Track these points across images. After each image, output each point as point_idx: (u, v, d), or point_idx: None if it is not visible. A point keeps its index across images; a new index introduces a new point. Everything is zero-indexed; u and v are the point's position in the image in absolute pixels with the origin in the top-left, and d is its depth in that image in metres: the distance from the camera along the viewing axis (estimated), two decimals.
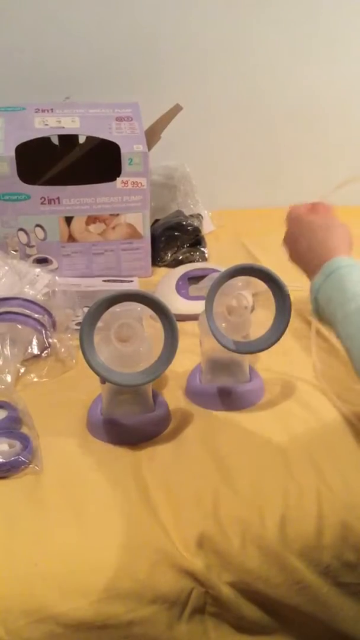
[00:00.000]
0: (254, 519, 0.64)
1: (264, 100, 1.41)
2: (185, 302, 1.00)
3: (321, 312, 0.74)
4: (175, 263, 1.18)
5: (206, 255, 1.22)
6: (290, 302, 0.74)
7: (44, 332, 0.88)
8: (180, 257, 1.20)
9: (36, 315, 0.88)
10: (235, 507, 0.65)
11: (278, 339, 0.75)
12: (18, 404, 0.77)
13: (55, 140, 1.17)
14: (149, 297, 0.67)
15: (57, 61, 1.28)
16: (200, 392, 0.81)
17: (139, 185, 1.08)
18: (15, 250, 1.08)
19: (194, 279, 1.03)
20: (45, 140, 1.13)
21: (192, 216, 1.29)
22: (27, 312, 0.88)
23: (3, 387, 0.81)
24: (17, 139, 1.04)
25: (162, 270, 1.17)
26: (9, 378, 0.82)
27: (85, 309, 0.78)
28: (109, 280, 1.13)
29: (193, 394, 0.82)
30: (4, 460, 0.68)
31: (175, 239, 1.21)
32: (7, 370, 0.83)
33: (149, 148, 1.09)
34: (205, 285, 0.88)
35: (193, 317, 0.86)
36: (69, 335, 0.91)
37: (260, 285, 0.75)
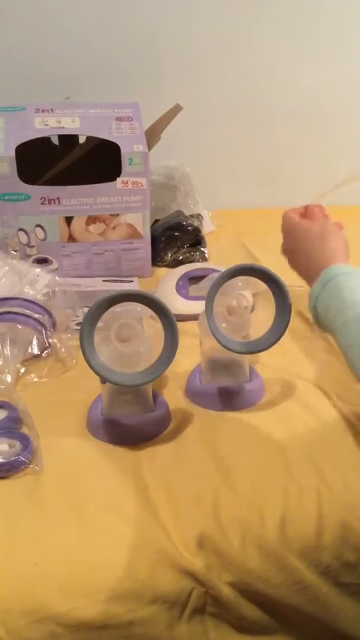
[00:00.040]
0: (254, 519, 0.64)
1: (264, 100, 1.41)
2: (185, 302, 1.00)
3: (320, 321, 0.74)
4: (176, 263, 1.18)
5: (206, 255, 1.22)
6: (290, 302, 0.74)
7: (44, 332, 0.88)
8: (181, 257, 1.20)
9: (36, 315, 0.88)
10: (235, 507, 0.65)
11: (278, 339, 0.75)
12: (18, 404, 0.77)
13: (55, 141, 1.17)
14: (149, 297, 0.67)
15: (57, 61, 1.28)
16: (200, 392, 0.81)
17: (139, 185, 1.08)
18: (15, 251, 1.08)
19: (194, 279, 1.04)
20: (45, 140, 1.13)
21: (192, 216, 1.29)
22: (27, 312, 0.88)
23: (3, 387, 0.81)
24: (17, 139, 1.04)
25: (162, 271, 1.17)
26: (9, 378, 0.82)
27: (86, 309, 0.78)
28: (109, 280, 1.13)
29: (193, 394, 0.82)
30: (4, 460, 0.68)
31: (175, 239, 1.21)
32: (7, 370, 0.83)
33: (149, 148, 1.09)
34: (205, 285, 0.88)
35: (193, 317, 0.86)
36: (69, 335, 0.91)
37: (260, 285, 0.75)
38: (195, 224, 1.25)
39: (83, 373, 0.73)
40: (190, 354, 0.85)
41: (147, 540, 0.61)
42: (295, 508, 0.65)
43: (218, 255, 1.24)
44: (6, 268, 0.96)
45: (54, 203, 1.06)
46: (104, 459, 0.72)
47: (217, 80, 1.37)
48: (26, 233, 1.08)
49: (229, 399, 0.80)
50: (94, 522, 0.63)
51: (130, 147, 1.06)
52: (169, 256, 1.20)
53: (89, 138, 1.16)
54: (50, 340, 0.88)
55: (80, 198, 1.07)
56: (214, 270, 0.98)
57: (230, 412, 0.79)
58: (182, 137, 1.24)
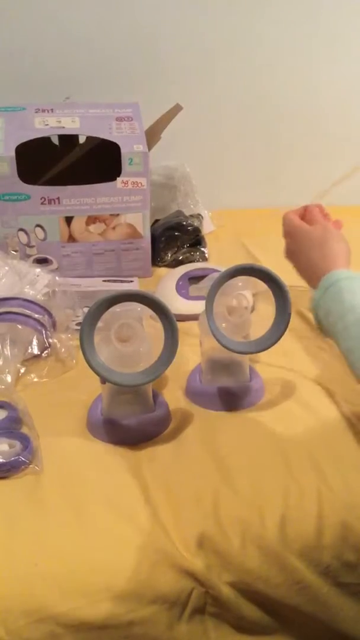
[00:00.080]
0: (254, 519, 0.64)
1: (264, 100, 1.41)
2: (185, 302, 1.00)
3: (322, 325, 0.75)
4: (176, 263, 1.18)
5: (206, 255, 1.22)
6: (291, 303, 0.74)
7: (44, 332, 0.88)
8: (181, 257, 1.20)
9: (36, 316, 0.88)
10: (235, 507, 0.65)
11: (278, 339, 0.75)
12: (18, 404, 0.77)
13: (56, 140, 1.17)
14: (149, 297, 0.67)
15: (57, 61, 1.28)
16: (200, 392, 0.81)
17: (139, 185, 1.08)
18: (16, 251, 1.08)
19: (194, 279, 1.03)
20: (46, 140, 1.13)
21: (192, 216, 1.29)
22: (27, 312, 0.88)
23: (3, 387, 0.81)
24: (17, 139, 1.04)
25: (162, 271, 1.17)
26: (9, 378, 0.82)
27: (86, 309, 0.78)
28: (109, 281, 1.13)
29: (193, 394, 0.82)
30: (4, 461, 0.68)
31: (175, 239, 1.21)
32: (7, 370, 0.83)
33: (149, 148, 1.09)
34: (205, 285, 0.88)
35: (193, 317, 0.86)
36: (69, 336, 0.91)
37: (260, 285, 0.75)
38: (195, 224, 1.25)
39: (83, 373, 0.73)
40: (191, 354, 0.86)
41: (147, 540, 0.61)
42: (295, 508, 0.65)
43: (218, 255, 1.24)
44: (6, 268, 0.96)
45: (54, 203, 1.06)
46: (104, 459, 0.72)
47: (218, 80, 1.37)
48: (26, 233, 1.08)
49: (229, 399, 0.80)
50: (94, 522, 0.63)
51: (130, 147, 1.06)
52: (169, 256, 1.20)
53: (89, 138, 1.16)
54: (50, 340, 0.88)
55: (80, 198, 1.07)
56: (214, 270, 0.98)
57: (230, 412, 0.79)
58: (182, 137, 1.24)
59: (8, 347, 0.85)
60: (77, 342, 0.67)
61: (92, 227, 1.10)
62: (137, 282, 1.13)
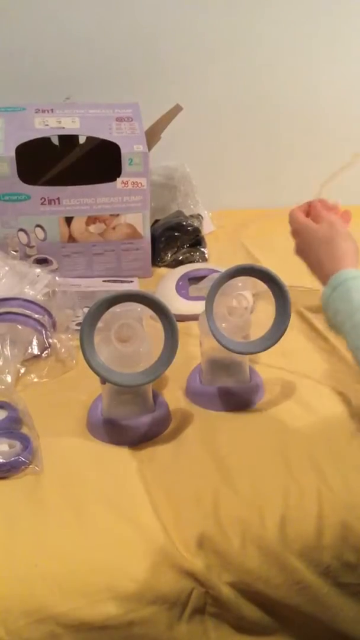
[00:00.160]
0: (254, 519, 0.64)
1: (264, 100, 1.41)
2: (185, 303, 1.00)
3: (331, 324, 0.75)
4: (176, 263, 1.18)
5: (206, 255, 1.22)
6: (290, 303, 0.74)
7: (44, 332, 0.88)
8: (181, 258, 1.20)
9: (36, 316, 0.88)
10: (235, 507, 0.65)
11: (278, 340, 0.75)
12: (18, 404, 0.77)
13: (56, 141, 1.17)
14: (149, 297, 0.67)
15: (57, 61, 1.28)
16: (200, 393, 0.81)
17: (139, 185, 1.08)
18: (16, 251, 1.08)
19: (194, 279, 1.03)
20: (46, 141, 1.13)
21: (192, 216, 1.29)
22: (28, 312, 0.88)
23: (3, 387, 0.81)
24: (17, 139, 1.04)
25: (162, 271, 1.17)
26: (9, 378, 0.82)
27: (86, 310, 0.78)
28: (109, 281, 1.13)
29: (193, 394, 0.82)
30: (4, 461, 0.68)
31: (175, 239, 1.21)
32: (7, 370, 0.83)
33: (149, 148, 1.09)
34: (205, 285, 0.88)
35: (193, 318, 0.86)
36: (69, 336, 0.91)
37: (260, 286, 0.75)
38: (195, 224, 1.25)
39: (83, 373, 0.73)
40: (191, 354, 0.85)
41: (147, 540, 0.61)
42: (295, 508, 0.65)
43: (218, 255, 1.24)
44: (6, 268, 0.96)
45: (54, 203, 1.06)
46: (104, 459, 0.72)
47: (218, 80, 1.37)
48: (26, 233, 1.08)
49: (229, 399, 0.80)
50: (94, 522, 0.63)
51: (130, 147, 1.06)
52: (169, 256, 1.20)
53: (89, 138, 1.16)
54: (50, 340, 0.88)
55: (80, 198, 1.07)
56: (214, 271, 0.98)
57: (230, 412, 0.79)
58: (182, 137, 1.24)
59: (8, 348, 0.85)
60: (77, 343, 0.67)
61: (92, 228, 1.10)
62: (137, 283, 1.13)
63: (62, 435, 0.75)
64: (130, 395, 0.75)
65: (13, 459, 0.68)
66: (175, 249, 1.21)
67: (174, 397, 0.81)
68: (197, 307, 0.80)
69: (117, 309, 0.68)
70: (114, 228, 1.11)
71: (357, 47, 1.40)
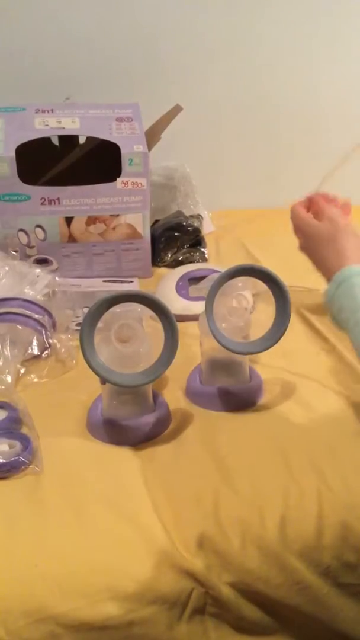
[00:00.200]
0: (254, 519, 0.64)
1: (264, 100, 1.41)
2: (185, 303, 1.00)
3: (336, 321, 0.75)
4: (176, 263, 1.18)
5: (206, 255, 1.22)
6: (290, 303, 0.74)
7: (44, 332, 0.88)
8: (181, 258, 1.20)
9: (36, 316, 0.88)
10: (235, 507, 0.65)
11: (278, 340, 0.75)
12: (18, 404, 0.77)
13: (56, 141, 1.17)
14: (149, 297, 0.67)
15: (57, 61, 1.28)
16: (200, 393, 0.81)
17: (139, 185, 1.08)
18: (16, 251, 1.08)
19: (194, 279, 1.03)
20: (46, 141, 1.13)
21: (192, 217, 1.29)
22: (28, 312, 0.88)
23: (3, 387, 0.81)
24: (17, 139, 1.04)
25: (162, 271, 1.17)
26: (9, 378, 0.82)
27: (86, 310, 0.78)
28: (109, 281, 1.13)
29: (193, 394, 0.82)
30: (4, 461, 0.68)
31: (175, 239, 1.21)
32: (7, 370, 0.83)
33: (149, 148, 1.09)
34: (205, 285, 0.88)
35: (193, 318, 0.86)
36: (69, 336, 0.91)
37: (261, 286, 0.75)
38: (195, 224, 1.25)
39: (83, 373, 0.73)
40: (191, 354, 0.85)
41: (147, 540, 0.61)
42: (295, 508, 0.65)
43: (218, 255, 1.24)
44: (6, 268, 0.96)
45: (54, 203, 1.06)
46: (104, 459, 0.72)
47: (218, 80, 1.37)
48: (26, 233, 1.08)
49: (229, 399, 0.80)
50: (94, 522, 0.63)
51: (130, 147, 1.06)
52: (169, 256, 1.20)
53: (89, 138, 1.16)
54: (50, 340, 0.88)
55: (80, 198, 1.07)
56: (214, 271, 0.98)
57: (230, 412, 0.79)
58: (182, 137, 1.24)
59: (8, 348, 0.85)
60: (77, 343, 0.67)
61: (92, 228, 1.10)
62: (137, 283, 1.13)
63: (62, 436, 0.75)
64: (130, 396, 0.75)
65: (13, 459, 0.68)
66: (175, 249, 1.21)
67: (174, 397, 0.81)
68: (197, 307, 0.80)
69: (117, 309, 0.68)
70: (114, 228, 1.11)
71: (357, 47, 1.40)
